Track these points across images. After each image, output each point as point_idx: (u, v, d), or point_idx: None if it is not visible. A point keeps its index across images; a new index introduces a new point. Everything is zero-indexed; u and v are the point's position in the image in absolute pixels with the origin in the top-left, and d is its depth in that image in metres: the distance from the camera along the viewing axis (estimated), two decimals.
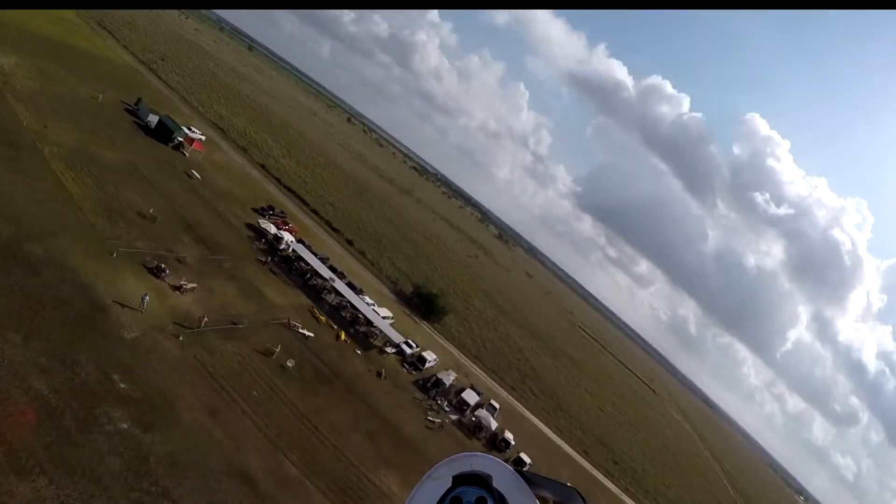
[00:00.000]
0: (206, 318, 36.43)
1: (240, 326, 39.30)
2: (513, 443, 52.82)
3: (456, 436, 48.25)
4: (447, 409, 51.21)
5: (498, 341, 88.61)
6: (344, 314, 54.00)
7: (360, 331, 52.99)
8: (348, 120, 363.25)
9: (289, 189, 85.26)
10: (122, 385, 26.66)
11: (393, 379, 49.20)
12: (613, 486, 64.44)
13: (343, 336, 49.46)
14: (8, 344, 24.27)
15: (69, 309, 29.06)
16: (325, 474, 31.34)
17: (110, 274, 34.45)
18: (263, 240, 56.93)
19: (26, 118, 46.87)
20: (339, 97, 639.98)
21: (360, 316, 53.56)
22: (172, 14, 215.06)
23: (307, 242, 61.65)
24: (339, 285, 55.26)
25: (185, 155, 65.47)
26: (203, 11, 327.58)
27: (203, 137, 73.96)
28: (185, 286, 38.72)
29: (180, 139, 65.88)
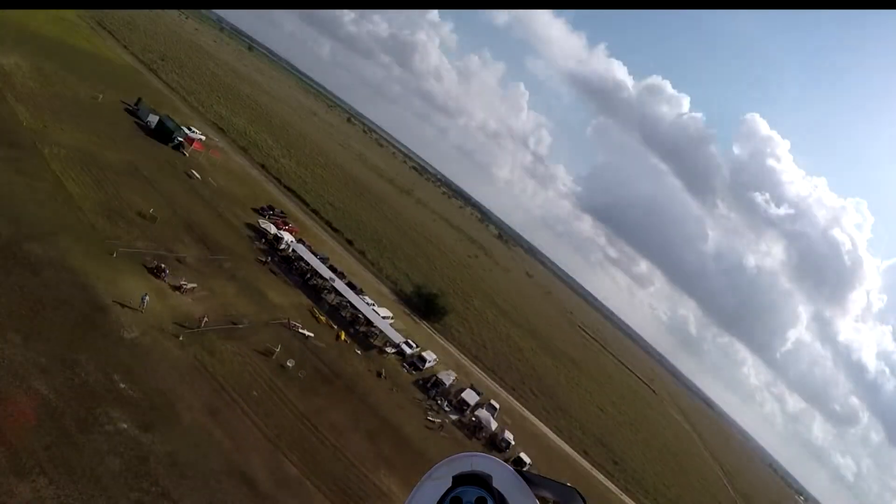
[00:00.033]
0: (206, 318, 36.43)
1: (240, 326, 39.31)
2: (513, 443, 52.83)
3: (456, 436, 48.22)
4: (447, 409, 51.19)
5: (498, 341, 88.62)
6: (344, 314, 54.00)
7: (360, 331, 52.98)
8: (348, 120, 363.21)
9: (289, 189, 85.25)
10: (123, 385, 26.65)
11: (393, 379, 49.18)
12: (613, 485, 64.47)
13: (343, 336, 49.45)
14: (8, 344, 24.27)
15: (69, 309, 29.05)
16: (325, 474, 31.33)
17: (110, 274, 34.44)
18: (263, 240, 56.94)
19: (26, 118, 46.85)
20: (338, 97, 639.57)
21: (361, 316, 53.55)
22: (172, 14, 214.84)
23: (307, 243, 61.64)
24: (339, 285, 55.25)
25: (185, 155, 65.44)
26: (203, 11, 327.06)
27: (203, 137, 74.01)
28: (185, 286, 38.72)
29: (180, 139, 65.89)
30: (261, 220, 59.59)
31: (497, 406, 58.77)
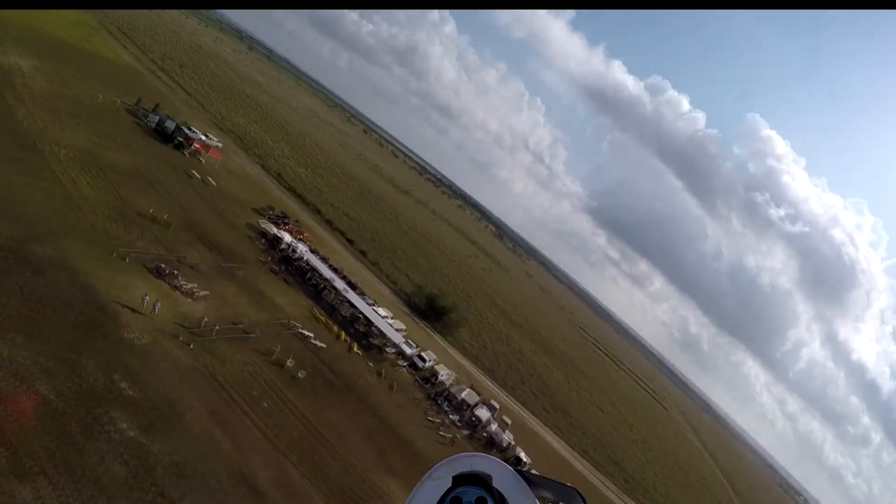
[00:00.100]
0: (217, 326, 35.99)
1: (251, 335, 38.80)
2: (525, 460, 51.75)
3: (456, 436, 48.18)
4: (458, 423, 50.39)
5: (510, 355, 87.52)
6: (356, 325, 53.49)
7: (374, 343, 52.43)
8: (364, 131, 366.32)
9: (303, 199, 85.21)
10: (130, 392, 26.18)
11: (404, 392, 48.53)
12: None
13: (355, 347, 48.86)
14: (13, 346, 23.91)
15: (76, 312, 28.68)
16: (324, 474, 30.87)
17: (119, 277, 34.14)
18: (277, 248, 56.67)
19: (35, 119, 46.89)
20: (356, 108, 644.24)
21: (374, 328, 53.05)
22: (192, 23, 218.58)
23: (321, 253, 61.32)
24: (352, 296, 54.81)
25: (200, 161, 65.76)
26: (212, 12, 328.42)
27: (220, 145, 74.42)
28: (196, 293, 38.36)
29: (196, 146, 66.33)
30: (274, 229, 59.30)
31: (509, 422, 58.12)
